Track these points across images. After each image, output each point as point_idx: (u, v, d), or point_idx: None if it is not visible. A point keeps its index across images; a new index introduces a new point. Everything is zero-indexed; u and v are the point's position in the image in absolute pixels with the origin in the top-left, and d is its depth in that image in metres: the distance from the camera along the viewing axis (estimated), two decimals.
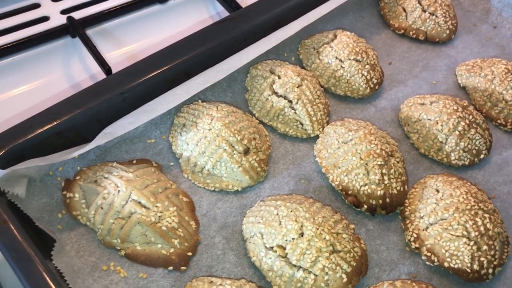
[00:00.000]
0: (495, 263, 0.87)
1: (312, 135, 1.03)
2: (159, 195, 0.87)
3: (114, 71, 1.02)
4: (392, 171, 0.94)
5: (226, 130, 0.93)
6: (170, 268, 0.84)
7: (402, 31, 1.25)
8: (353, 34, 1.16)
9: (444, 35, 1.25)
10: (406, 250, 0.92)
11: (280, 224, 0.84)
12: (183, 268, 0.84)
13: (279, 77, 1.04)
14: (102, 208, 0.85)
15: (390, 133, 1.07)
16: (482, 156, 1.03)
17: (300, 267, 0.82)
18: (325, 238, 0.83)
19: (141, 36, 1.22)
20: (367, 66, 1.10)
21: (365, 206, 0.93)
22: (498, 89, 1.11)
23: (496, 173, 1.04)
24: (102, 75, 1.06)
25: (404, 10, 1.26)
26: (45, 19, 1.20)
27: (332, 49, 1.11)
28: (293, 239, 0.83)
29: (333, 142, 0.98)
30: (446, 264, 0.87)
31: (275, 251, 0.83)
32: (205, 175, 0.94)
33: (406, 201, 0.96)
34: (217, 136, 0.93)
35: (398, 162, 0.96)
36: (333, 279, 0.82)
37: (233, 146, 0.93)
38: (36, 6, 1.23)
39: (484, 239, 0.87)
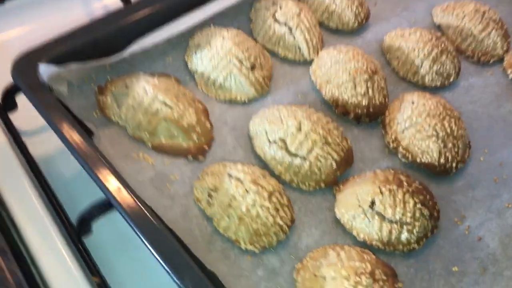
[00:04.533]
0: (458, 159, 1.06)
1: (308, 59, 1.20)
2: (180, 98, 1.03)
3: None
4: (375, 85, 1.11)
5: (236, 48, 1.09)
6: (190, 158, 1.01)
7: None
8: None
9: None
10: (385, 151, 1.10)
11: (281, 122, 1.01)
12: (201, 158, 1.01)
13: (281, 8, 1.20)
14: (133, 107, 1.01)
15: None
16: (451, 79, 1.22)
17: (298, 155, 0.99)
18: (319, 132, 1.00)
19: None
20: (356, 2, 1.26)
21: (352, 114, 1.11)
22: (467, 25, 1.29)
23: (463, 94, 1.23)
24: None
25: None
26: None
27: None
28: (292, 133, 1.00)
29: (326, 63, 1.15)
30: (418, 160, 1.06)
31: (277, 143, 1.00)
32: (217, 88, 1.10)
33: (387, 112, 1.13)
34: (228, 53, 1.09)
35: (381, 79, 1.13)
36: (324, 166, 0.99)
37: (241, 62, 1.09)
38: None
39: (450, 138, 1.05)
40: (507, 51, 1.30)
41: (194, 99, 1.07)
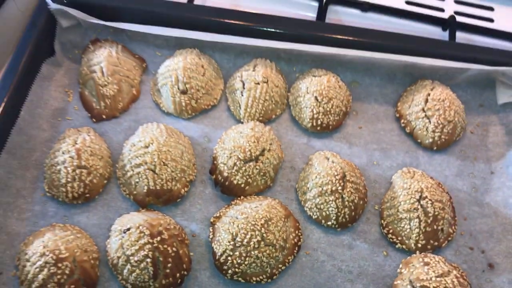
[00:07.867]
0: None
1: (241, 120, 1.31)
2: (116, 74, 1.30)
3: None
4: (249, 171, 1.17)
5: (182, 70, 1.28)
6: (93, 120, 1.29)
7: (398, 115, 1.35)
8: (342, 83, 1.33)
9: (427, 141, 1.30)
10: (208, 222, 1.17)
11: (145, 133, 1.20)
12: (94, 120, 1.28)
13: (254, 69, 1.32)
14: (88, 59, 1.33)
15: (290, 162, 1.27)
16: (329, 223, 1.16)
17: (130, 163, 1.17)
18: (158, 154, 1.15)
19: None
20: (322, 108, 1.28)
21: (214, 176, 1.20)
22: (401, 198, 1.17)
23: (329, 246, 1.16)
24: None
25: (413, 100, 1.33)
26: None
27: (311, 81, 1.32)
28: (138, 145, 1.18)
29: (238, 124, 1.26)
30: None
31: (129, 146, 1.20)
32: (156, 89, 1.33)
33: (235, 200, 1.18)
34: (173, 69, 1.29)
35: (255, 168, 1.17)
36: (139, 183, 1.15)
37: (177, 82, 1.29)
38: None
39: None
40: (422, 249, 1.15)
41: (134, 85, 1.33)
